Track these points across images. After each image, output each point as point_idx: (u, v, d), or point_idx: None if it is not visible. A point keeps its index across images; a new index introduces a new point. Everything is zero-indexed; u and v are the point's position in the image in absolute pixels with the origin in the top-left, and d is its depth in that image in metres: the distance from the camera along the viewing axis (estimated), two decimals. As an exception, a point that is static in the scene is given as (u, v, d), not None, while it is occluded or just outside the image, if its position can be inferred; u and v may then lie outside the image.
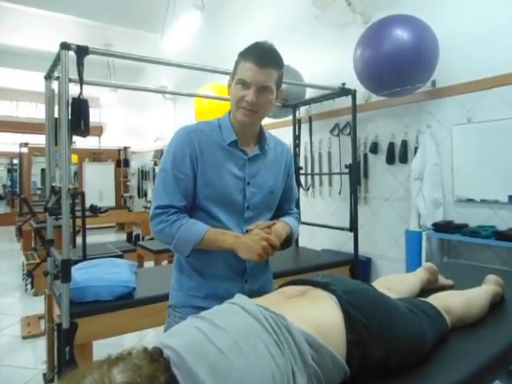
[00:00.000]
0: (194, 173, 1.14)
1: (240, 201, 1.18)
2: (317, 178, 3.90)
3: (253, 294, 1.08)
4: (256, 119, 1.17)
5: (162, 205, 1.13)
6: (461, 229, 2.49)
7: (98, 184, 9.06)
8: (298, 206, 3.46)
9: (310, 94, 3.66)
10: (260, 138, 1.24)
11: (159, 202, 1.14)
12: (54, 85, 2.30)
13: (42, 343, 2.81)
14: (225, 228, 1.16)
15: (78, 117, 1.85)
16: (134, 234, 6.11)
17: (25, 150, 8.27)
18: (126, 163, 8.74)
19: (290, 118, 3.67)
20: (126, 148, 8.81)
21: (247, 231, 1.17)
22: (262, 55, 1.10)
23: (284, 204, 1.34)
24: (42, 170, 8.59)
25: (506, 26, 2.43)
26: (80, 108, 1.86)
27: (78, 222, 2.74)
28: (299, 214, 1.45)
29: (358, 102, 3.05)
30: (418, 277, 1.53)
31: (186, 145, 1.14)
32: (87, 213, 2.97)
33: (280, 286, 1.13)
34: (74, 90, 1.84)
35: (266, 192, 1.22)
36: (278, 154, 1.28)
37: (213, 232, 1.12)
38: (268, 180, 1.23)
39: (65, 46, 1.79)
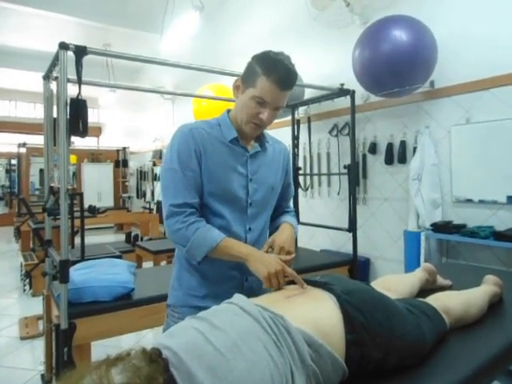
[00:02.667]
0: (200, 168, 1.14)
1: (243, 197, 1.18)
2: (316, 178, 3.90)
3: (252, 293, 1.08)
4: (261, 131, 1.21)
5: (176, 203, 1.11)
6: (459, 229, 2.50)
7: (97, 184, 9.06)
8: (296, 206, 3.48)
9: (308, 94, 3.66)
10: (259, 135, 1.25)
11: (173, 200, 1.12)
12: (53, 85, 2.30)
13: (40, 344, 2.80)
14: (228, 225, 1.16)
15: (77, 117, 1.85)
16: (132, 234, 6.10)
17: (23, 150, 8.27)
18: (125, 163, 8.74)
19: (289, 118, 3.67)
20: (124, 148, 8.81)
21: (249, 229, 1.19)
22: (287, 78, 1.09)
23: (282, 201, 1.35)
24: (41, 171, 8.58)
25: (504, 27, 2.43)
26: (78, 108, 1.86)
27: (77, 222, 2.73)
28: (296, 212, 1.47)
29: (356, 103, 3.06)
30: (416, 277, 1.53)
31: (190, 141, 1.14)
32: (86, 213, 2.96)
33: (279, 287, 1.12)
34: (72, 90, 1.84)
35: (267, 189, 1.23)
36: (277, 151, 1.30)
37: (229, 240, 1.11)
38: (269, 177, 1.24)
39: (63, 46, 1.79)
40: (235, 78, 1.21)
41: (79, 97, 1.87)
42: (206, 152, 1.14)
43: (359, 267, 3.09)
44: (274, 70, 1.07)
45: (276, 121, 4.08)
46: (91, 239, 5.85)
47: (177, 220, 1.11)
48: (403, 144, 3.03)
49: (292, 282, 1.12)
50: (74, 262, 2.12)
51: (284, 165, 1.31)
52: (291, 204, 1.43)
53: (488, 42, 2.51)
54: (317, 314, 0.93)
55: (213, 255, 1.11)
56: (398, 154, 3.07)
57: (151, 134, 7.87)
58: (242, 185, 1.17)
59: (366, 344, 0.92)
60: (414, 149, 2.91)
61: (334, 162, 3.68)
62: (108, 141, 10.79)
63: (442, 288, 1.55)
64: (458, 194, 2.68)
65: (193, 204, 1.12)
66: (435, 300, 1.23)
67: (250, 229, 1.19)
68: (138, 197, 8.50)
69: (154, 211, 7.05)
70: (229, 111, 1.24)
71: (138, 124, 9.02)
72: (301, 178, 3.78)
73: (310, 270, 2.60)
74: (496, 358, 1.08)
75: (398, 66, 2.48)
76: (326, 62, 3.74)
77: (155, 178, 7.45)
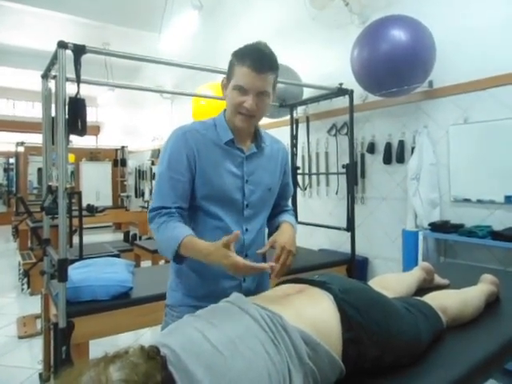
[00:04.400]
0: (192, 173, 1.14)
1: (239, 199, 1.18)
2: (314, 177, 3.90)
3: (250, 292, 1.09)
4: (254, 123, 1.18)
5: (155, 207, 1.13)
6: (457, 229, 2.51)
7: (95, 183, 9.04)
8: (295, 205, 3.48)
9: (307, 94, 3.67)
10: (256, 135, 1.25)
11: (153, 204, 1.14)
12: (51, 84, 2.29)
13: (38, 343, 2.80)
14: (226, 226, 1.15)
15: (75, 116, 1.85)
16: (131, 233, 6.11)
17: (21, 149, 8.25)
18: (123, 163, 8.72)
19: (288, 117, 3.67)
20: (123, 147, 8.79)
21: (246, 230, 1.19)
22: (260, 60, 1.07)
23: (281, 201, 1.35)
24: (39, 170, 8.56)
25: (502, 27, 2.44)
26: (77, 107, 1.86)
27: (75, 221, 2.73)
28: (295, 211, 1.47)
29: (355, 102, 3.06)
30: (414, 276, 1.54)
31: (183, 145, 1.14)
32: (84, 212, 2.96)
33: (277, 285, 1.13)
34: (71, 89, 1.83)
35: (264, 189, 1.22)
36: (274, 151, 1.29)
37: (186, 245, 1.05)
38: (265, 177, 1.23)
39: (62, 45, 1.79)
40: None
41: (78, 96, 1.87)
42: (200, 155, 1.14)
43: (357, 266, 3.10)
44: (246, 55, 1.08)
45: (275, 120, 4.05)
46: (89, 238, 5.84)
47: (153, 223, 1.13)
48: (401, 144, 3.04)
49: (289, 282, 1.12)
50: (73, 261, 2.12)
51: (282, 164, 1.30)
52: (290, 203, 1.43)
53: (486, 42, 2.51)
54: (314, 313, 0.93)
55: (184, 254, 1.08)
56: (396, 154, 3.07)
57: (150, 133, 7.86)
58: (237, 187, 1.17)
59: (363, 342, 0.92)
60: (413, 148, 2.91)
61: (332, 161, 3.68)
62: (106, 140, 10.77)
63: (440, 287, 1.56)
64: (456, 193, 2.69)
65: (170, 207, 1.12)
66: (432, 299, 1.24)
67: (246, 230, 1.19)
68: (136, 196, 8.48)
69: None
70: (225, 111, 1.24)
71: (136, 123, 9.02)
72: (299, 178, 3.78)
73: (308, 269, 2.60)
74: (492, 356, 1.09)
75: (396, 66, 2.49)
76: (324, 61, 3.74)
77: (154, 177, 7.44)
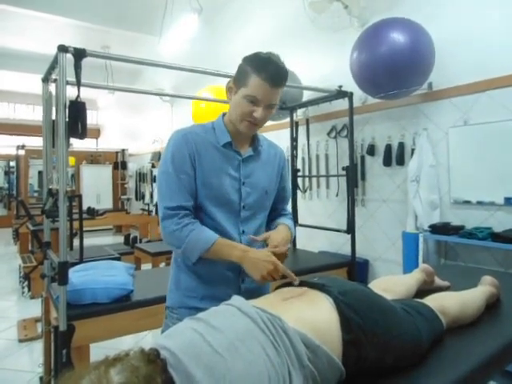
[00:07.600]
0: (195, 172, 1.16)
1: (236, 200, 1.20)
2: (314, 180, 3.91)
3: (249, 294, 1.09)
4: (256, 130, 1.21)
5: (171, 206, 1.14)
6: (457, 230, 2.51)
7: (96, 186, 9.04)
8: (295, 207, 3.48)
9: (307, 96, 3.68)
10: (253, 139, 1.27)
11: (168, 203, 1.14)
12: (52, 87, 2.30)
13: (38, 346, 2.80)
14: (222, 227, 1.17)
15: (76, 119, 1.85)
16: (131, 236, 6.11)
17: (22, 152, 8.27)
18: (124, 165, 8.74)
19: (288, 120, 3.68)
20: (123, 150, 8.81)
21: (243, 232, 1.20)
22: (277, 75, 1.10)
23: (278, 205, 1.37)
24: (39, 173, 8.58)
25: (501, 30, 2.45)
26: (77, 110, 1.86)
27: (76, 224, 2.73)
28: (295, 214, 1.48)
29: (354, 105, 3.07)
30: (414, 278, 1.54)
31: (184, 145, 1.16)
32: (84, 215, 2.96)
33: (277, 288, 1.13)
34: (71, 92, 1.84)
35: (261, 192, 1.24)
36: (272, 155, 1.31)
37: (221, 243, 1.13)
38: (262, 180, 1.25)
39: (62, 49, 1.80)
40: (231, 79, 1.22)
41: (78, 99, 1.87)
42: (200, 156, 1.16)
43: (358, 268, 3.10)
44: (263, 67, 1.09)
45: (275, 123, 4.07)
46: (90, 241, 5.84)
47: (171, 222, 1.13)
48: (401, 146, 3.04)
49: (289, 285, 1.12)
50: (73, 264, 2.12)
51: (279, 169, 1.33)
52: (288, 207, 1.44)
53: (485, 45, 2.52)
54: (314, 316, 0.93)
55: (207, 256, 1.13)
56: (396, 156, 3.08)
57: (150, 136, 7.87)
58: (234, 188, 1.19)
59: (363, 344, 0.92)
60: (412, 150, 2.92)
61: (332, 163, 3.69)
62: (107, 143, 10.78)
63: (440, 289, 1.56)
64: (455, 195, 2.69)
65: (187, 206, 1.14)
66: (432, 300, 1.24)
67: (243, 231, 1.21)
68: (136, 199, 8.49)
69: (153, 213, 7.06)
70: (224, 115, 1.25)
71: (136, 126, 9.03)
72: (299, 180, 3.79)
73: (308, 271, 2.60)
74: (492, 358, 1.08)
75: (395, 68, 2.50)
76: (324, 64, 3.75)
77: (154, 179, 7.45)
